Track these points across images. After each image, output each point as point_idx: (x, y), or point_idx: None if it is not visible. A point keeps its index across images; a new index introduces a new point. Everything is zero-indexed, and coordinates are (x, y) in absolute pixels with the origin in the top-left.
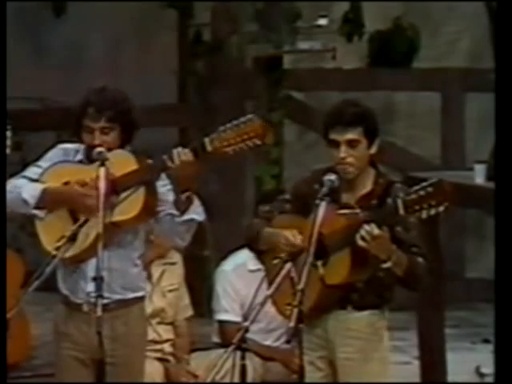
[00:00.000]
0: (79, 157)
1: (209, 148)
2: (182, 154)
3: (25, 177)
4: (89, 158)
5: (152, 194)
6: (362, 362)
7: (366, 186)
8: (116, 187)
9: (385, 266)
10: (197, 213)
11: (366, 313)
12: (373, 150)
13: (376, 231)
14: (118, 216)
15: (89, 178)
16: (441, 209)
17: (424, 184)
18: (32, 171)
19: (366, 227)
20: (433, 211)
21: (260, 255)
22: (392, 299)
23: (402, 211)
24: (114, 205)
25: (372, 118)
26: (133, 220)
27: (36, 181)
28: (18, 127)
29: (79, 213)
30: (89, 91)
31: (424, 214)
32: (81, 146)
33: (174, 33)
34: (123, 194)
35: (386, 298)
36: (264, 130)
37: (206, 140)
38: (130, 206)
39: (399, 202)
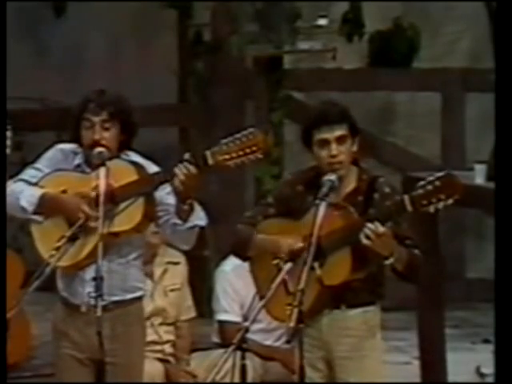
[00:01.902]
0: (77, 160)
1: (210, 161)
2: (184, 169)
3: (23, 180)
4: (88, 162)
5: (151, 204)
6: (359, 360)
7: (350, 183)
8: (115, 197)
9: (387, 262)
10: (199, 218)
11: (359, 310)
12: (354, 147)
13: (381, 229)
14: (117, 226)
15: (87, 188)
16: (450, 202)
17: (431, 178)
18: (30, 174)
19: (370, 226)
20: (441, 205)
21: (245, 261)
22: (384, 295)
23: (409, 208)
24: (112, 215)
25: (351, 115)
26: (132, 230)
27: (35, 184)
28: (18, 127)
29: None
30: (88, 92)
31: (432, 209)
32: (78, 148)
33: (173, 33)
34: (122, 205)
35: (378, 294)
36: (266, 143)
37: (208, 153)
38: (130, 216)
39: (406, 199)
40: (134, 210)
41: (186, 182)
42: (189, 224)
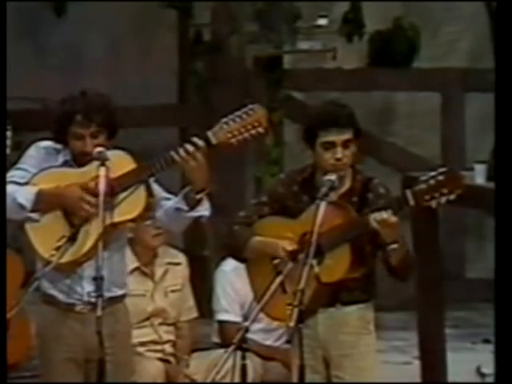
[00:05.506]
0: (62, 158)
1: (213, 141)
2: (191, 146)
3: (13, 182)
4: (76, 160)
5: (150, 193)
6: (355, 357)
7: (345, 183)
8: (114, 188)
9: (391, 247)
10: (206, 209)
11: (354, 307)
12: (355, 149)
13: (393, 219)
14: (119, 217)
15: (82, 180)
16: (452, 197)
17: (433, 174)
18: (17, 175)
19: (384, 214)
20: (443, 200)
21: (243, 262)
22: (376, 295)
23: (411, 202)
24: (113, 206)
25: (356, 117)
26: (133, 220)
27: (26, 184)
28: (18, 127)
29: (76, 215)
30: (70, 97)
31: (434, 204)
32: (59, 146)
33: (174, 33)
34: (122, 195)
35: (371, 293)
36: (267, 118)
37: (210, 133)
38: (132, 205)
39: (408, 193)
40: (136, 199)
41: (194, 163)
42: (196, 213)
